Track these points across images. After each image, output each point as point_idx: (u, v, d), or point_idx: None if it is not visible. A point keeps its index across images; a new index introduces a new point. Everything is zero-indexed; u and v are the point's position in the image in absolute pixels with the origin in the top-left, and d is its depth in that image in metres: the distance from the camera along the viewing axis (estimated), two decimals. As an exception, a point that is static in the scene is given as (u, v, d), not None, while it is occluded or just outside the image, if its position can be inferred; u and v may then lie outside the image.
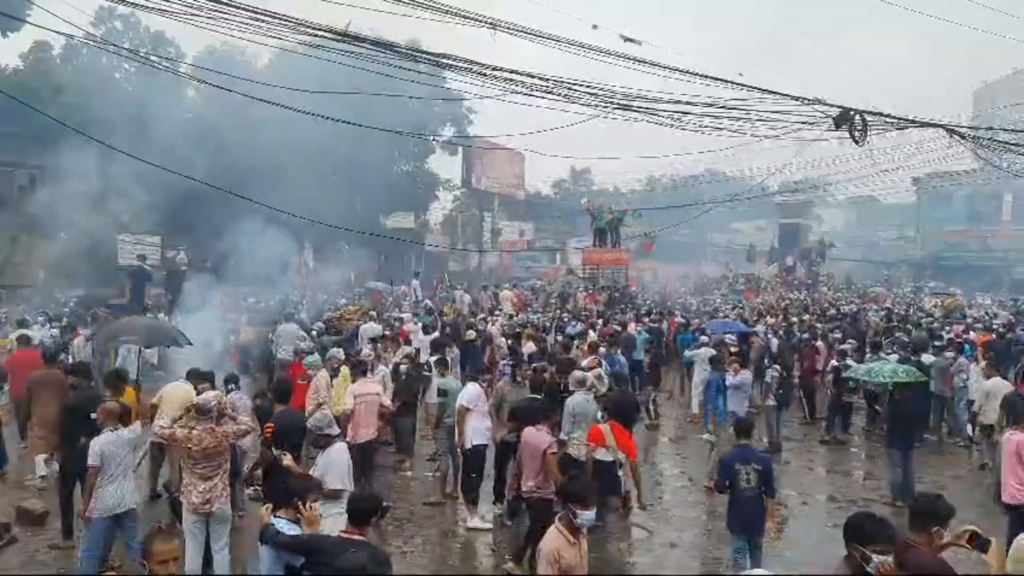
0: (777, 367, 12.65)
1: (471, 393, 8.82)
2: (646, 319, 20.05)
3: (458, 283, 30.98)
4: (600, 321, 19.47)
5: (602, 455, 7.37)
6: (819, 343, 15.89)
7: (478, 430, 8.76)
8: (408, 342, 14.70)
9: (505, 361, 11.89)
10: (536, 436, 7.32)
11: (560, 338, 15.84)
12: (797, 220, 46.62)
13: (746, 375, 11.98)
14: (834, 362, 13.73)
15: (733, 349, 14.10)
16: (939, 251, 54.11)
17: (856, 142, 10.12)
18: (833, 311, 24.15)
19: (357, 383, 9.30)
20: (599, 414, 8.32)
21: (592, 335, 15.68)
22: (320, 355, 11.30)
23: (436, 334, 15.70)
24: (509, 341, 14.90)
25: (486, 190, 51.77)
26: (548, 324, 19.55)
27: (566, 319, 20.28)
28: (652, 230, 33.26)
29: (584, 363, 11.20)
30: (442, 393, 9.73)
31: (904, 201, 63.76)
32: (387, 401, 9.60)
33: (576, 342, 14.58)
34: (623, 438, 7.51)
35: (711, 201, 33.90)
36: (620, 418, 7.69)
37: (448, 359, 11.10)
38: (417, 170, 47.85)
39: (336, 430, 6.75)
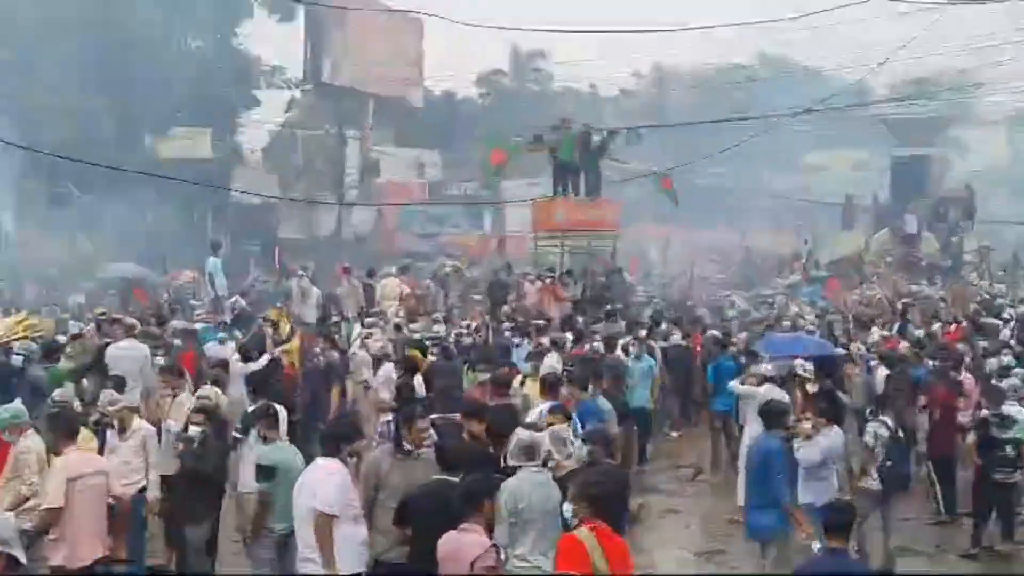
0: (885, 421, 12.93)
1: (332, 484, 8.78)
2: (654, 331, 20.33)
3: (299, 264, 30.74)
4: (568, 335, 19.57)
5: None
6: (964, 376, 16.37)
7: (349, 550, 8.78)
8: (203, 377, 14.67)
9: (386, 417, 11.85)
10: (457, 543, 7.58)
11: (490, 368, 15.88)
12: (925, 150, 47.91)
13: (834, 439, 12.18)
14: (984, 411, 14.17)
15: (811, 388, 14.33)
16: None
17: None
18: (991, 317, 24.76)
19: (73, 455, 9.42)
20: (567, 510, 8.32)
21: (551, 362, 15.68)
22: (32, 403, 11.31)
23: (259, 362, 15.66)
24: (396, 376, 14.90)
25: (350, 87, 51.42)
26: (469, 341, 19.54)
27: (504, 332, 20.24)
28: (660, 168, 33.58)
29: (536, 414, 11.16)
30: (266, 473, 9.77)
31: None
32: (121, 489, 9.83)
33: (523, 375, 14.56)
34: (615, 552, 7.58)
35: (768, 113, 34.53)
36: (606, 514, 7.74)
37: (278, 411, 11.06)
38: (220, 50, 47.25)
39: (20, 553, 6.62)
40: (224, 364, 15.53)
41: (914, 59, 53.71)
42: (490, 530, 7.98)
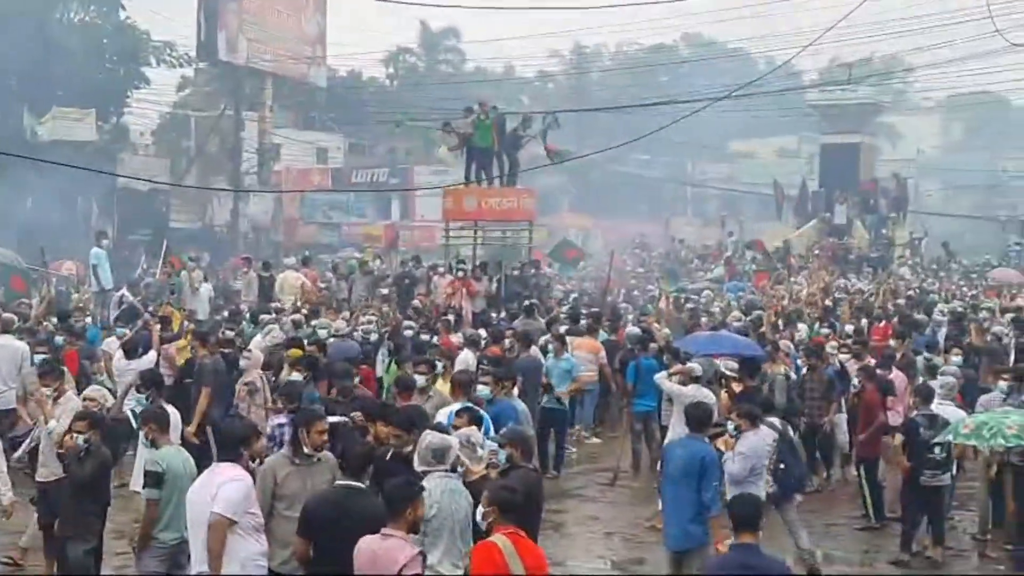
0: (773, 422, 13.02)
1: (234, 489, 8.68)
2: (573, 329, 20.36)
3: (192, 255, 30.38)
4: (482, 332, 19.61)
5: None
6: (895, 374, 16.64)
7: (247, 563, 8.70)
8: (89, 376, 14.35)
9: (279, 419, 11.78)
10: (381, 549, 7.60)
11: (396, 368, 16.01)
12: (855, 137, 48.60)
13: (756, 442, 12.30)
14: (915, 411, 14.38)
15: (736, 387, 14.48)
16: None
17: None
18: (922, 313, 25.19)
19: None
20: (479, 515, 8.37)
21: (466, 360, 15.66)
22: None
23: (143, 360, 15.49)
24: (297, 373, 14.80)
25: (248, 66, 50.93)
26: (375, 338, 19.51)
27: (411, 328, 20.30)
28: (574, 150, 33.56)
29: (444, 414, 11.18)
30: (154, 480, 9.67)
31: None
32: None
33: (432, 374, 14.57)
34: (532, 559, 7.65)
35: (693, 97, 34.75)
36: (522, 520, 7.81)
37: (169, 413, 10.96)
38: (104, 22, 46.52)
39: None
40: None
41: (843, 43, 54.65)
42: (412, 526, 7.92)
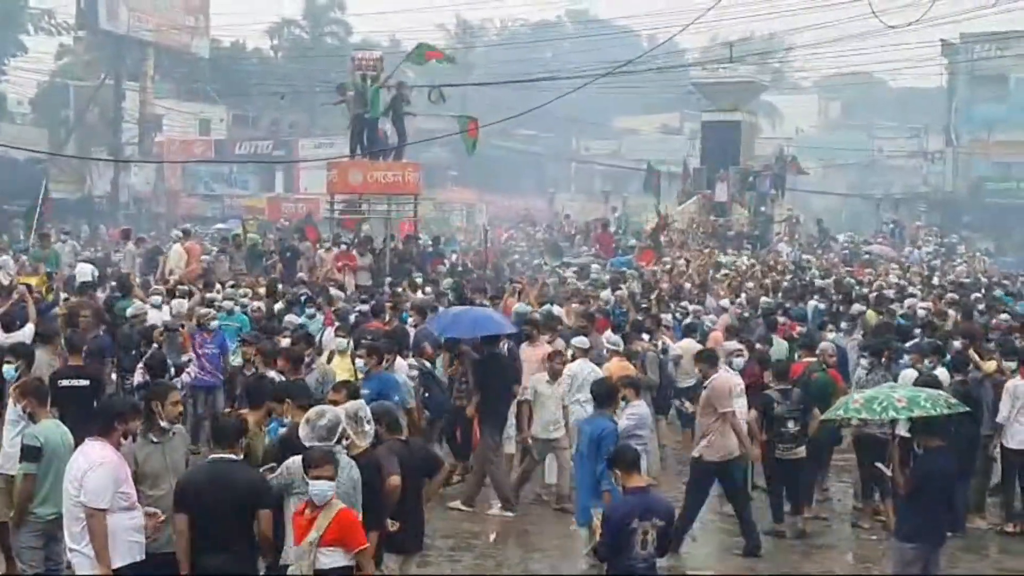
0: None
1: (99, 476, 8.55)
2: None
3: (64, 227, 29.89)
4: (363, 307, 19.58)
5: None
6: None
7: (122, 540, 8.66)
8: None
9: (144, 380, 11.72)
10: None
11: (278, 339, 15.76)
12: (735, 115, 49.25)
13: (639, 410, 12.74)
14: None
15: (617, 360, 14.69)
16: (983, 177, 59.42)
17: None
18: (795, 284, 26.04)
19: None
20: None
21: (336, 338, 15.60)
22: None
23: (22, 332, 15.20)
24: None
25: (129, 35, 50.01)
26: (257, 315, 19.35)
27: (294, 299, 20.23)
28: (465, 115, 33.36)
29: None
30: (31, 455, 9.58)
31: (925, 85, 69.33)
32: None
33: (330, 350, 14.80)
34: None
35: (577, 74, 34.93)
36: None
37: (46, 386, 10.76)
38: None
39: None
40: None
41: (724, 22, 55.41)
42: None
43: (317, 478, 8.15)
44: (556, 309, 19.93)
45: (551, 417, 14.35)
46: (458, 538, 13.53)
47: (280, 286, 22.21)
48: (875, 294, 24.10)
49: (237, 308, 19.15)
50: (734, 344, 16.45)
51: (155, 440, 9.32)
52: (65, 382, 12.46)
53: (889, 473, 10.99)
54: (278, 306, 19.77)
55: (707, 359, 13.82)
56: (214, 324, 17.03)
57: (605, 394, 11.83)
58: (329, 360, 14.72)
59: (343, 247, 26.88)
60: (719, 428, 13.07)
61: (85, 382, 12.69)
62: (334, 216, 31.22)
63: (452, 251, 35.17)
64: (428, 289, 22.34)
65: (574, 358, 15.05)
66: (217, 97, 60.49)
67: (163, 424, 9.33)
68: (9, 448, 10.66)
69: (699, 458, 13.20)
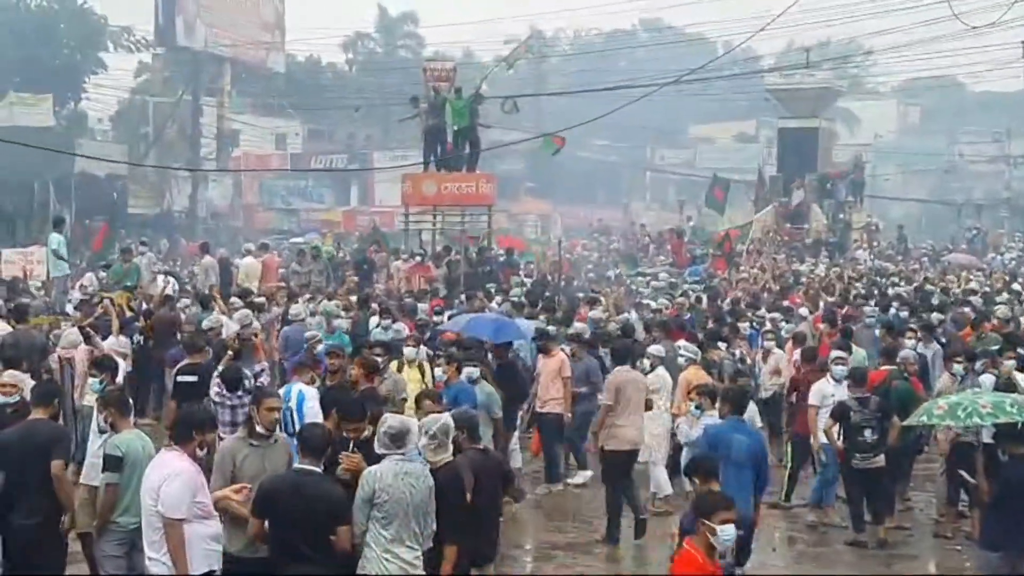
0: None
1: (176, 487, 8.60)
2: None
3: (139, 239, 30.24)
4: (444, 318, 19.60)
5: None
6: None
7: (199, 548, 8.68)
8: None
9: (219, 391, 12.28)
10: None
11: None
12: (812, 122, 48.83)
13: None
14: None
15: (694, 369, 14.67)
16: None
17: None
18: (879, 291, 25.83)
19: None
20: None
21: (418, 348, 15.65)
22: None
23: (106, 343, 15.49)
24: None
25: (206, 51, 50.64)
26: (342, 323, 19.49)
27: (370, 310, 20.37)
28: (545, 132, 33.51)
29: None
30: (113, 464, 9.63)
31: (1007, 89, 68.21)
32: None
33: (399, 361, 14.76)
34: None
35: (649, 82, 34.82)
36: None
37: (127, 397, 10.92)
38: (63, 9, 46.12)
39: None
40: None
41: (801, 27, 54.81)
42: None
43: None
44: (632, 316, 19.87)
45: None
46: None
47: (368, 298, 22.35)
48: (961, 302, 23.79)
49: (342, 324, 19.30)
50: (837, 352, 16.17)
51: (254, 444, 9.35)
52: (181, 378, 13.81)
53: (973, 481, 10.83)
54: (373, 320, 19.75)
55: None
56: (320, 348, 16.41)
57: (739, 401, 11.76)
58: (399, 370, 14.70)
59: (418, 258, 26.97)
60: None
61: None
62: (408, 228, 31.34)
63: (527, 262, 35.19)
64: (499, 299, 22.36)
65: (653, 367, 15.00)
66: (293, 111, 61.01)
67: (259, 429, 9.36)
68: (93, 459, 10.80)
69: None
